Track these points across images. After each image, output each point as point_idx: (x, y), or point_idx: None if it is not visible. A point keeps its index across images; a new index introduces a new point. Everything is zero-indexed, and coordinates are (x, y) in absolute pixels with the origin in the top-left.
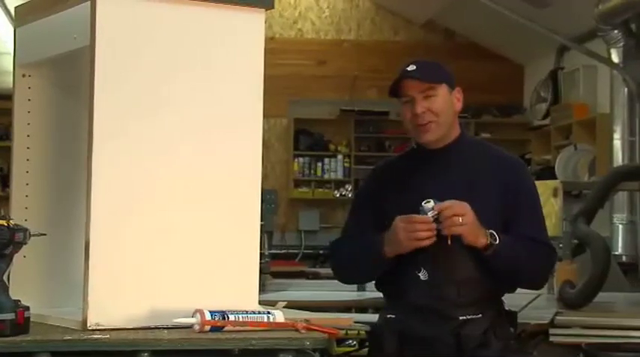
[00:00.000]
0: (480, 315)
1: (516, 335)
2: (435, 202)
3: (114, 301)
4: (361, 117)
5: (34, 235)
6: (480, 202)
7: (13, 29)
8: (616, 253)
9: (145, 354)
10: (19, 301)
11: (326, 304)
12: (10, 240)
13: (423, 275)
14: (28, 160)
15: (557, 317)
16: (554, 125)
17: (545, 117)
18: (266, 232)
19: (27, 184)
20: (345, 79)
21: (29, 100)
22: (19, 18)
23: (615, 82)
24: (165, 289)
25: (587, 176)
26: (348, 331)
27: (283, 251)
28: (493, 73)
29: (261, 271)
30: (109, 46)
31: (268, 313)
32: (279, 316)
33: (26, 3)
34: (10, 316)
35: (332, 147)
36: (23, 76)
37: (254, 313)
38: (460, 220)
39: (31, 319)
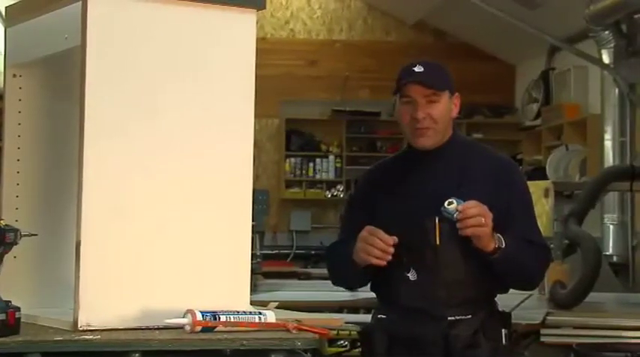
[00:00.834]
0: (470, 316)
1: (509, 336)
2: (457, 202)
3: (105, 302)
4: (353, 117)
5: (24, 236)
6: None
7: (3, 29)
8: (607, 253)
9: (136, 354)
10: (10, 301)
11: (318, 304)
12: (0, 240)
13: (412, 276)
14: (18, 160)
15: (549, 317)
16: (546, 125)
17: (536, 117)
18: (257, 232)
19: (18, 185)
20: (337, 79)
21: (20, 100)
22: (10, 18)
23: (606, 82)
24: (156, 290)
25: (578, 176)
26: (340, 332)
27: (275, 252)
28: (484, 74)
29: (253, 272)
30: (100, 46)
31: (260, 313)
32: (270, 316)
33: (17, 3)
34: (0, 316)
35: (323, 147)
36: (14, 76)
37: (245, 313)
38: (483, 221)
39: (22, 320)
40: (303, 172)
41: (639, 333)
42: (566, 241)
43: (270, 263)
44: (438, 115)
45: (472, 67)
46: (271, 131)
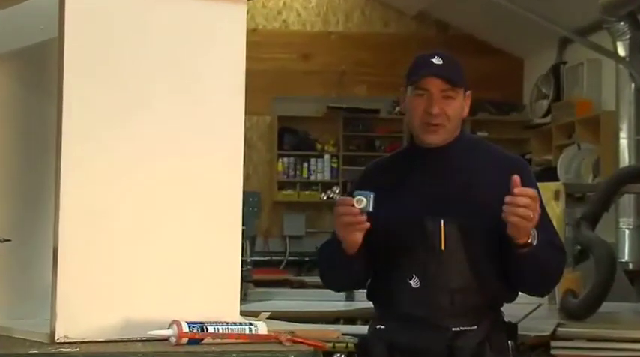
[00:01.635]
0: (476, 326)
1: (516, 348)
2: (367, 198)
3: (84, 312)
4: (350, 115)
5: None
6: (479, 204)
7: None
8: (622, 260)
9: None
10: None
11: (312, 314)
12: None
13: (414, 282)
14: None
15: (559, 329)
16: (556, 123)
17: (545, 115)
18: (248, 237)
19: None
20: (333, 74)
21: None
22: None
23: (621, 77)
24: (139, 299)
25: (591, 178)
26: (336, 344)
27: (266, 258)
28: (490, 68)
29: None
30: (80, 38)
31: (250, 324)
32: (261, 327)
33: None
34: None
35: (318, 147)
36: None
37: (235, 324)
38: (531, 215)
39: None
40: (297, 172)
41: None
42: (578, 247)
43: (261, 270)
44: (452, 113)
45: (477, 61)
46: (263, 129)
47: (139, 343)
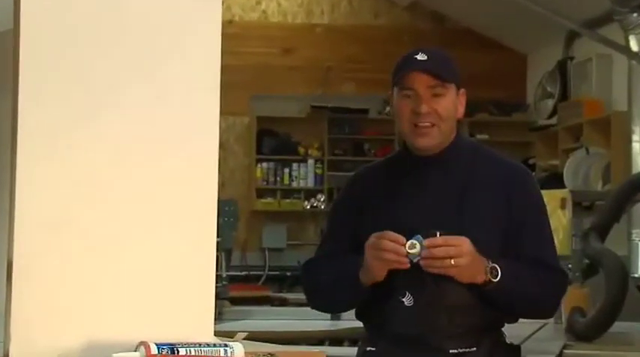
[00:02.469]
0: (475, 348)
1: None
2: (421, 244)
3: (42, 332)
4: (336, 115)
5: None
6: (475, 217)
7: None
8: (634, 275)
9: None
10: None
11: (294, 335)
12: None
13: (407, 301)
14: None
15: (566, 351)
16: (562, 125)
17: (551, 115)
18: (223, 250)
19: None
20: (317, 70)
21: None
22: None
23: (634, 74)
24: (103, 318)
25: (601, 185)
26: None
27: (244, 273)
28: (490, 65)
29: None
30: (38, 30)
31: (225, 346)
32: (238, 349)
33: None
34: None
35: (301, 150)
36: None
37: (208, 345)
38: (452, 262)
39: None
40: (278, 179)
41: None
42: (587, 261)
43: (238, 287)
44: (444, 111)
45: (476, 56)
46: (240, 131)
47: None
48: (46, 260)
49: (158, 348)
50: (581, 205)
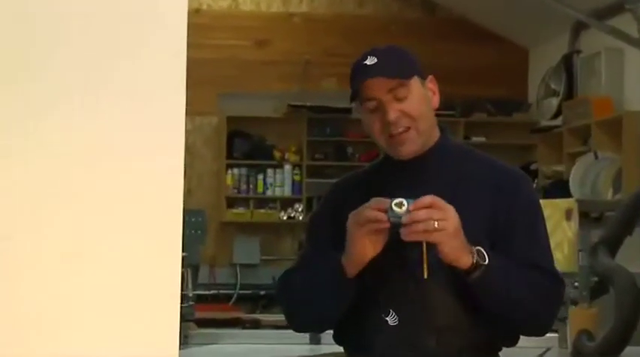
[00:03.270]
0: None
1: None
2: (408, 203)
3: None
4: (316, 115)
5: None
6: (467, 223)
7: None
8: None
9: None
10: None
11: None
12: None
13: (391, 319)
14: None
15: None
16: (568, 126)
17: (555, 115)
18: (189, 266)
19: None
20: (295, 65)
21: None
22: None
23: None
24: (51, 343)
25: (611, 193)
26: None
27: (212, 292)
28: (488, 59)
29: (183, 318)
30: None
31: None
32: None
33: None
34: None
35: (277, 154)
36: None
37: None
38: (436, 225)
39: None
40: (251, 186)
41: None
42: (595, 279)
43: (206, 307)
44: (414, 110)
45: (471, 50)
46: (208, 133)
47: None
48: None
49: None
50: (588, 216)
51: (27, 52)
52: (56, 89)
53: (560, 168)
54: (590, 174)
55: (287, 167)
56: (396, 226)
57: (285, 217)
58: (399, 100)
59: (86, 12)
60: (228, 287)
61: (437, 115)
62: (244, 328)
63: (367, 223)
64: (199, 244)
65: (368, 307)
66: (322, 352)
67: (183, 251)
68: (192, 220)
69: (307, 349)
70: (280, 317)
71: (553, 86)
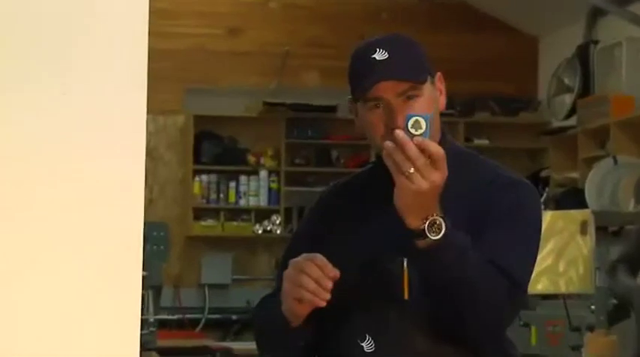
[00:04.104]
0: None
1: None
2: (426, 123)
3: None
4: (296, 114)
5: None
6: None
7: None
8: None
9: None
10: None
11: None
12: None
13: (367, 345)
14: None
15: None
16: (584, 127)
17: (569, 115)
18: (151, 287)
19: None
20: (272, 57)
21: None
22: None
23: None
24: None
25: (633, 204)
26: None
27: (177, 316)
28: (492, 51)
29: (143, 347)
30: None
31: None
32: None
33: None
34: None
35: (252, 159)
36: None
37: None
38: (410, 171)
39: None
40: (221, 195)
41: None
42: (614, 301)
43: (169, 334)
44: (423, 113)
45: (472, 39)
46: (172, 135)
47: None
48: None
49: None
50: (606, 229)
51: None
52: (3, 83)
53: (574, 175)
54: (608, 182)
55: (263, 174)
56: None
57: (260, 231)
58: (408, 103)
59: (49, 6)
60: (195, 311)
61: None
62: None
63: (302, 290)
64: (162, 262)
65: (342, 330)
66: None
67: (143, 270)
68: (154, 234)
69: None
70: (254, 345)
71: (566, 81)
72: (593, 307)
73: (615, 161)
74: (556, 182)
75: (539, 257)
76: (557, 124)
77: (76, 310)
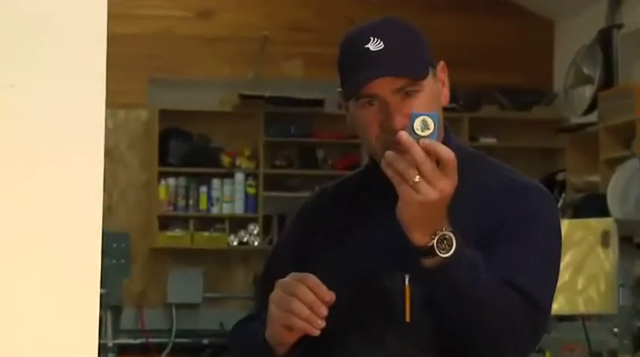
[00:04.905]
0: None
1: None
2: (435, 124)
3: None
4: (276, 109)
5: None
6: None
7: None
8: None
9: None
10: None
11: None
12: None
13: None
14: None
15: None
16: (606, 123)
17: (589, 110)
18: (110, 307)
19: None
20: (248, 42)
21: None
22: None
23: None
24: None
25: None
26: None
27: (139, 341)
28: (503, 37)
29: None
30: None
31: None
32: None
33: None
34: None
35: (226, 160)
36: None
37: None
38: (416, 180)
39: None
40: (191, 202)
41: None
42: None
43: None
44: (423, 111)
45: (480, 24)
46: (135, 132)
47: None
48: None
49: None
50: (631, 241)
51: None
52: None
53: (594, 178)
54: (633, 186)
55: (238, 177)
56: None
57: (235, 242)
58: (406, 100)
59: None
60: (161, 334)
61: None
62: None
63: (293, 316)
64: (122, 278)
65: (335, 352)
66: None
67: (101, 287)
68: (114, 245)
69: None
70: None
71: (586, 71)
72: (616, 329)
73: None
74: (574, 187)
75: None
76: (575, 120)
77: (23, 333)
